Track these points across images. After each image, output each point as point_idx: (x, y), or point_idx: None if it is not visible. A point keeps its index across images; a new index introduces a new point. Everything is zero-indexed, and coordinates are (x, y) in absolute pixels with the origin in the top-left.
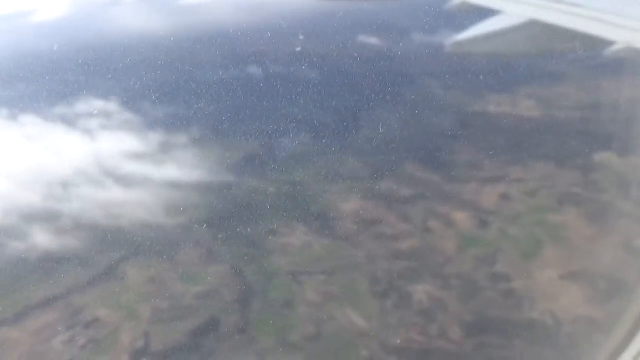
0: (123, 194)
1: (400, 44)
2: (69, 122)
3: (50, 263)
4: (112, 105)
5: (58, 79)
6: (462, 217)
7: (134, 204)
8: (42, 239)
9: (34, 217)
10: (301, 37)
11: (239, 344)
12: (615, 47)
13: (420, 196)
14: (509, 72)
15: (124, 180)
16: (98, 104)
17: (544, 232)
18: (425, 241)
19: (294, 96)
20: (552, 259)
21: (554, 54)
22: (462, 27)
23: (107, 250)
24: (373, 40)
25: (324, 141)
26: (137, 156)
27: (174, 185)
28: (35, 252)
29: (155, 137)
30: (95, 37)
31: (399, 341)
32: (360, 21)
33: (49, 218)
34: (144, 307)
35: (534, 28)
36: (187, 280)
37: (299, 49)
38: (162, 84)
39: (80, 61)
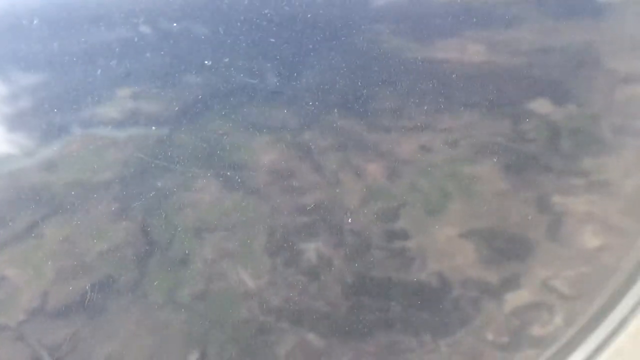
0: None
1: None
2: None
3: None
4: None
5: None
6: (374, 169)
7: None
8: None
9: None
10: None
11: (130, 301)
12: None
13: (338, 146)
14: (474, 18)
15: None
16: None
17: (455, 185)
18: (331, 195)
19: (223, 43)
20: (456, 215)
21: None
22: None
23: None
24: None
25: (249, 91)
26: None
27: (93, 141)
28: None
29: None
30: None
31: (278, 301)
32: None
33: None
34: (48, 265)
35: None
36: (94, 238)
37: None
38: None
39: None
